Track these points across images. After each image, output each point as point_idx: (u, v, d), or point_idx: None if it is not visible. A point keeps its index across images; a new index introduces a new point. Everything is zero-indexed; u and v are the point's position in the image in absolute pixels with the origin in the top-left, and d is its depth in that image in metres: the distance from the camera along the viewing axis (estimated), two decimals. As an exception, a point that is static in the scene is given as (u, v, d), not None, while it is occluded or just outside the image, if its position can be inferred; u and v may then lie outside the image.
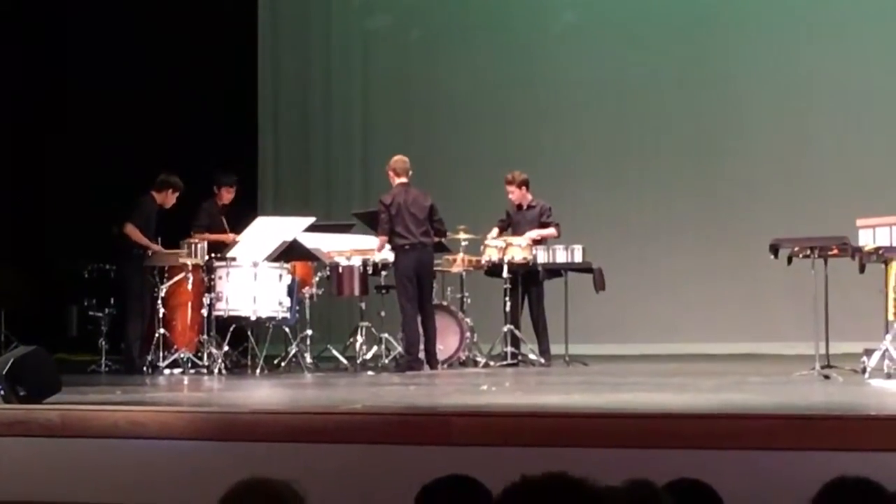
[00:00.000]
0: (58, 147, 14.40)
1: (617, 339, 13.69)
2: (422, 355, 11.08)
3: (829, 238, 9.52)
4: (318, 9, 15.49)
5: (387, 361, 11.43)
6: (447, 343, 11.60)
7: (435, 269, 11.62)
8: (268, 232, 11.22)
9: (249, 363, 11.12)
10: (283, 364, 11.32)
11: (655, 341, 13.57)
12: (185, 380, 10.61)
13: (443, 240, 11.69)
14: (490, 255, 11.86)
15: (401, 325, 11.17)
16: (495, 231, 12.13)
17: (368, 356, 11.56)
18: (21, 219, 14.27)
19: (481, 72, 14.82)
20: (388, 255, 11.34)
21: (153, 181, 11.68)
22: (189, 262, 11.14)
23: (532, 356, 11.84)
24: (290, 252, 11.12)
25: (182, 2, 14.40)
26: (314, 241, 11.42)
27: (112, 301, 11.99)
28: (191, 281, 11.15)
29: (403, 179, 11.28)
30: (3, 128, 14.17)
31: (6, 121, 14.13)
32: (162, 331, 11.07)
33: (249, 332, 11.35)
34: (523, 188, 12.06)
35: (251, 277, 10.90)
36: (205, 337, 11.01)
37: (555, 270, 11.92)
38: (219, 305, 10.89)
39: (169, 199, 11.66)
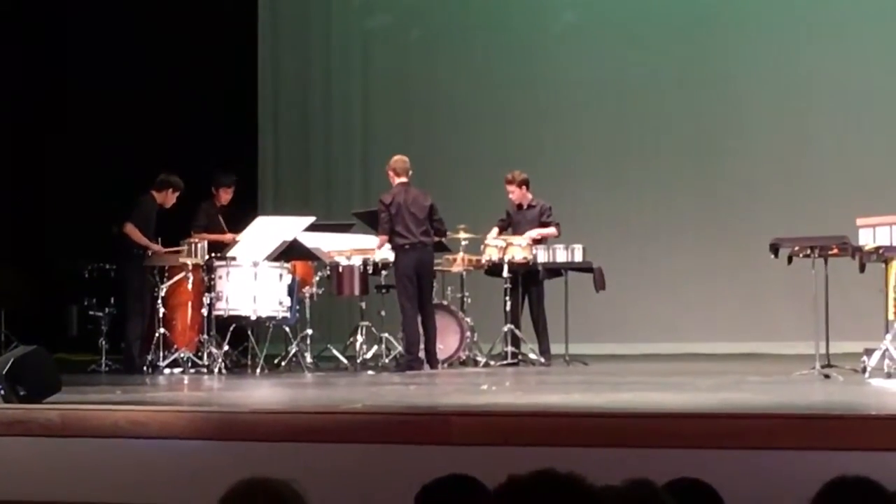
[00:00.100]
0: (58, 147, 14.40)
1: (617, 339, 13.70)
2: (422, 355, 11.08)
3: (829, 237, 9.52)
4: (318, 9, 15.49)
5: (387, 361, 11.43)
6: (447, 343, 11.60)
7: (435, 268, 11.62)
8: (268, 231, 11.22)
9: (249, 363, 11.13)
10: (283, 364, 11.33)
11: (655, 341, 13.57)
12: (186, 379, 10.62)
13: (443, 239, 11.69)
14: (490, 254, 11.86)
15: (401, 325, 11.17)
16: (495, 231, 12.13)
17: (369, 356, 11.56)
18: (21, 219, 14.27)
19: (481, 72, 14.82)
20: (388, 254, 11.34)
21: (153, 181, 11.68)
22: (189, 261, 11.14)
23: (532, 356, 11.84)
24: (290, 251, 11.12)
25: (182, 2, 14.40)
26: (314, 241, 11.42)
27: (112, 301, 11.99)
28: (191, 280, 11.15)
29: (403, 179, 11.28)
30: (4, 128, 14.17)
31: (6, 121, 14.13)
32: (162, 330, 11.07)
33: (250, 332, 11.36)
34: (523, 188, 12.06)
35: (251, 277, 10.91)
36: (205, 336, 11.01)
37: (555, 270, 11.93)
38: (219, 305, 10.89)
39: (169, 198, 11.66)
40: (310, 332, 11.38)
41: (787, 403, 7.43)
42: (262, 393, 9.56)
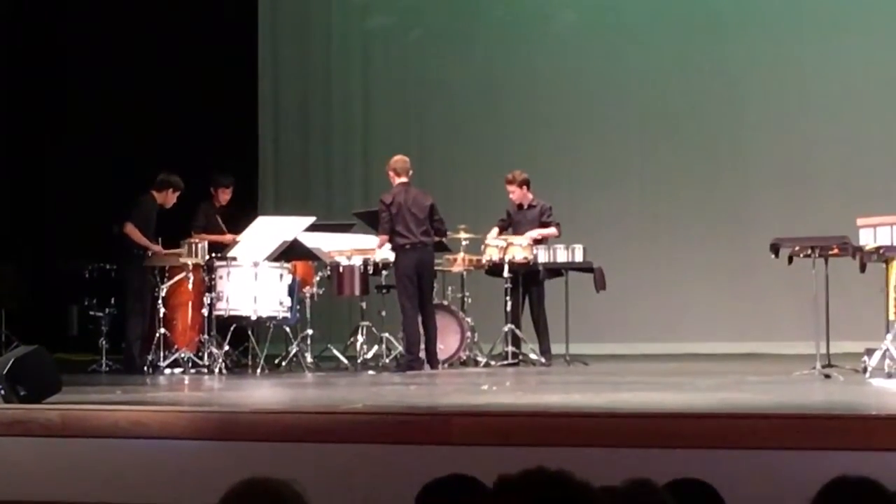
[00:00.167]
0: (58, 147, 14.41)
1: (617, 339, 13.70)
2: (422, 355, 11.08)
3: (829, 238, 9.52)
4: (318, 9, 15.49)
5: (387, 361, 11.43)
6: (448, 343, 11.60)
7: (436, 268, 11.62)
8: (268, 231, 11.21)
9: (250, 363, 11.13)
10: (283, 364, 11.33)
11: (656, 341, 13.57)
12: (186, 379, 10.61)
13: (443, 239, 11.69)
14: (491, 254, 11.86)
15: (401, 325, 11.16)
16: (495, 230, 12.12)
17: (369, 356, 11.57)
18: (21, 219, 14.28)
19: (481, 72, 14.82)
20: (388, 254, 11.34)
21: (153, 181, 11.68)
22: (189, 261, 11.13)
23: (533, 356, 11.84)
24: (290, 251, 11.12)
25: (182, 2, 14.40)
26: (315, 241, 11.42)
27: (112, 301, 11.98)
28: (191, 280, 11.15)
29: (404, 179, 11.28)
30: (4, 128, 14.18)
31: (6, 121, 14.14)
32: (162, 330, 11.07)
33: (250, 332, 11.36)
34: (524, 188, 12.05)
35: (252, 277, 10.90)
36: (205, 336, 11.01)
37: (555, 270, 11.92)
38: (219, 305, 10.88)
39: (169, 198, 11.65)
40: (310, 332, 11.38)
41: (787, 403, 7.43)
42: (262, 393, 9.56)
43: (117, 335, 11.65)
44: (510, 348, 11.69)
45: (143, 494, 5.94)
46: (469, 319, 11.84)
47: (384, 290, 11.85)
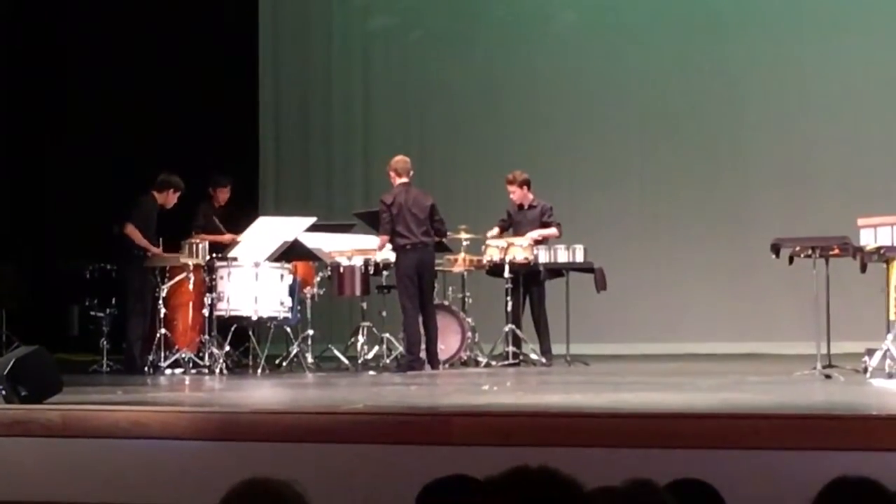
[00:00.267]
0: (58, 147, 14.41)
1: (618, 339, 13.70)
2: (423, 355, 11.08)
3: (830, 238, 9.52)
4: (318, 10, 15.50)
5: (388, 361, 11.44)
6: (448, 343, 11.60)
7: (436, 268, 11.62)
8: (269, 232, 11.22)
9: (251, 363, 11.14)
10: (284, 364, 11.33)
11: (656, 341, 13.58)
12: (187, 380, 10.61)
13: (444, 239, 11.69)
14: (492, 254, 11.86)
15: (402, 325, 11.16)
16: (495, 230, 12.13)
17: (370, 356, 11.58)
18: (21, 219, 14.28)
19: (481, 72, 14.83)
20: (389, 254, 11.35)
21: (153, 181, 11.68)
22: (190, 262, 11.13)
23: (533, 356, 11.84)
24: (291, 252, 11.12)
25: (182, 2, 14.40)
26: (315, 241, 11.42)
27: (113, 301, 11.99)
28: (192, 281, 11.15)
29: (404, 179, 11.28)
30: (4, 128, 14.18)
31: (6, 121, 14.14)
32: (163, 331, 11.07)
33: (251, 332, 11.37)
34: (524, 188, 12.05)
35: (252, 277, 10.91)
36: (206, 337, 11.01)
37: (556, 270, 11.93)
38: (220, 305, 10.89)
39: (170, 199, 11.65)
40: (311, 332, 11.39)
41: (787, 403, 7.42)
42: (263, 393, 9.56)
43: (118, 335, 11.65)
44: (511, 348, 11.69)
45: (144, 495, 5.94)
46: (470, 320, 11.84)
47: (385, 291, 11.86)
